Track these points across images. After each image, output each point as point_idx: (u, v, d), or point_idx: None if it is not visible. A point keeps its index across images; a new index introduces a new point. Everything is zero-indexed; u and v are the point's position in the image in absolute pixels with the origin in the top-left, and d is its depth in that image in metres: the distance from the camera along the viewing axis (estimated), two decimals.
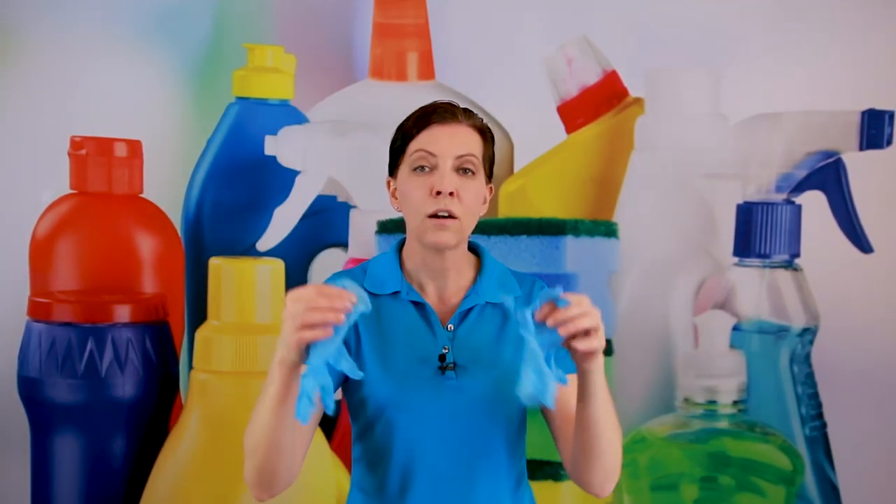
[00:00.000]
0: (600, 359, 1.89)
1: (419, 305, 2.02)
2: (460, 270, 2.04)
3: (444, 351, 2.00)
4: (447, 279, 2.03)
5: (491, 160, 2.04)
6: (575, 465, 1.99)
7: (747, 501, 2.99)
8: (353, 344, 2.01)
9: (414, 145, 2.00)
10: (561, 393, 1.95)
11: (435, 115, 2.01)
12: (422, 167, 1.98)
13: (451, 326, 2.01)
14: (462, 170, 1.98)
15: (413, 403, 1.98)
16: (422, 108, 2.04)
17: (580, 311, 1.84)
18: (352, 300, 1.83)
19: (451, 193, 1.96)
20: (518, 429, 2.04)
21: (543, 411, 2.03)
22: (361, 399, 2.01)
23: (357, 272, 2.06)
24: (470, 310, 2.03)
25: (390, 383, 1.99)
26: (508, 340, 2.02)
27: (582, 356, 1.87)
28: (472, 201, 1.99)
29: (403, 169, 2.01)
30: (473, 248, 2.09)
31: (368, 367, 2.00)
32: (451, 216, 1.96)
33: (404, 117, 2.05)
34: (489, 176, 2.05)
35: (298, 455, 1.96)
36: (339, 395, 2.06)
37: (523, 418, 2.06)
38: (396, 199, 2.05)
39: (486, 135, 2.03)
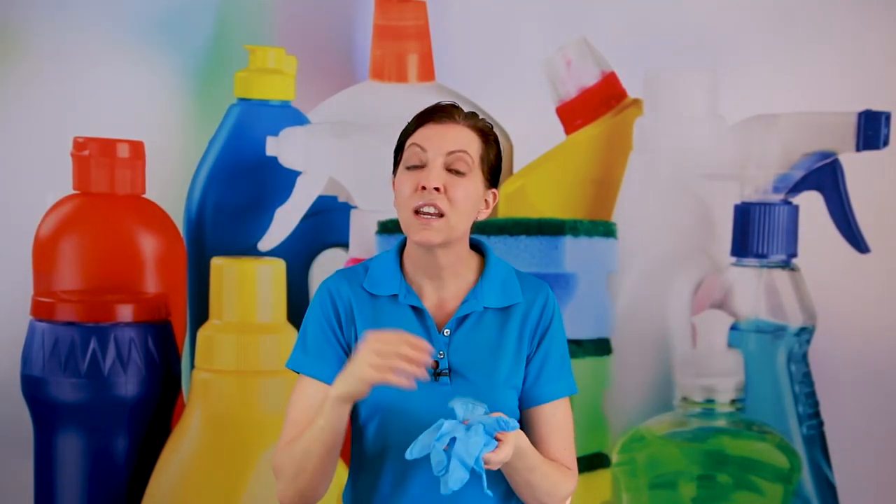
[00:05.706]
0: (507, 450, 1.88)
1: (417, 310, 1.99)
2: (459, 273, 2.01)
3: (440, 357, 1.98)
4: (444, 280, 2.00)
5: (492, 164, 2.00)
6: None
7: (745, 500, 3.00)
8: (352, 344, 2.01)
9: (409, 141, 1.98)
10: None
11: (433, 114, 1.99)
12: (414, 165, 1.96)
13: (447, 332, 1.99)
14: (454, 170, 1.95)
15: (407, 408, 1.97)
16: (426, 108, 2.02)
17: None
18: (430, 352, 1.87)
19: (437, 189, 1.93)
20: None
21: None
22: (358, 401, 2.00)
23: (358, 270, 2.04)
24: (468, 315, 2.00)
25: (386, 387, 1.93)
26: (507, 345, 2.00)
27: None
28: (461, 199, 1.94)
29: (400, 167, 1.99)
30: (480, 249, 2.06)
31: None
32: (437, 213, 1.94)
33: (408, 120, 2.03)
34: (491, 181, 2.01)
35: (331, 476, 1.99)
36: None
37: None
38: None
39: (487, 136, 2.00)
